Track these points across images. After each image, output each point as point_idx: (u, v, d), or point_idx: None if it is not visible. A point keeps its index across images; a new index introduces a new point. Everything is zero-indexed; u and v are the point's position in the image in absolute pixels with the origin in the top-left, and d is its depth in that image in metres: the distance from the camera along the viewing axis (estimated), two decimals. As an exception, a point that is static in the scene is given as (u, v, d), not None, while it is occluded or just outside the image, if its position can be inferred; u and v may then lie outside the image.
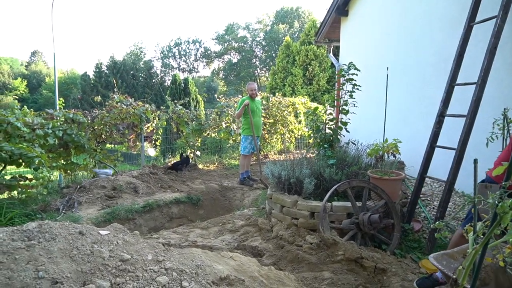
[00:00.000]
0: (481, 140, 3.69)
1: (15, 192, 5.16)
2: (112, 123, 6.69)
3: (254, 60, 53.30)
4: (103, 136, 6.84)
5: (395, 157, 4.06)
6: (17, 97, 45.70)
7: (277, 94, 11.36)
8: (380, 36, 6.92)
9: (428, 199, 5.03)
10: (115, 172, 6.86)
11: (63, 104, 6.70)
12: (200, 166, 8.48)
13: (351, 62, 4.61)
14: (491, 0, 3.95)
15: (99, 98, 7.19)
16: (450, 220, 4.38)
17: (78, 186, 5.77)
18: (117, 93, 7.12)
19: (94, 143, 6.77)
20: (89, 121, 6.55)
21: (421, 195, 4.85)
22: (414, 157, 5.08)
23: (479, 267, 1.14)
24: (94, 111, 6.86)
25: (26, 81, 50.81)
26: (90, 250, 2.07)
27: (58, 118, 6.03)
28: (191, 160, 8.36)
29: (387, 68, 4.77)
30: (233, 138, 9.53)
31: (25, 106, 5.79)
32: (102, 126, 6.69)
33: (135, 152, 9.52)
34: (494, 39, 3.57)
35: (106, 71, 41.69)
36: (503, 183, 0.97)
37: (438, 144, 4.12)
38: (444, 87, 4.09)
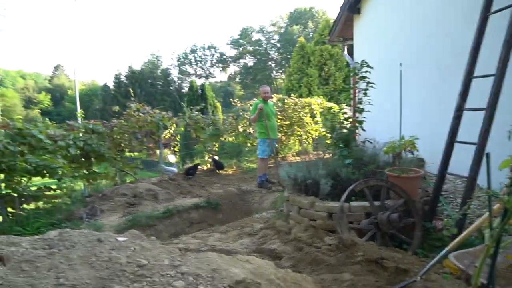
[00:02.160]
0: (504, 134, 3.56)
1: (41, 202, 5.34)
2: (130, 131, 6.84)
3: (269, 63, 53.41)
4: (122, 145, 6.99)
5: (413, 154, 3.97)
6: (42, 111, 47.31)
7: (292, 95, 11.32)
8: (394, 32, 6.81)
9: (451, 196, 4.89)
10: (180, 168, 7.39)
11: (83, 115, 6.89)
12: (218, 170, 8.54)
13: (364, 60, 4.57)
14: (507, -12, 3.83)
15: (117, 108, 7.37)
16: (475, 217, 4.25)
17: (100, 195, 5.92)
18: (134, 102, 7.27)
19: (114, 152, 6.93)
20: (108, 131, 6.72)
21: (443, 193, 4.72)
22: (435, 153, 4.95)
23: (494, 263, 1.11)
24: (113, 120, 7.04)
25: (50, 94, 52.65)
26: (108, 257, 2.12)
27: (79, 129, 6.22)
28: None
29: (400, 64, 4.68)
30: (251, 142, 9.56)
31: (47, 119, 6.00)
32: (121, 135, 6.85)
33: (155, 159, 9.69)
34: (510, 29, 3.46)
35: (125, 81, 42.67)
36: (508, 177, 0.94)
37: (458, 139, 4.01)
38: (461, 80, 3.99)
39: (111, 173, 6.87)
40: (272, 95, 10.05)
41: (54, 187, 5.41)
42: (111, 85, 43.66)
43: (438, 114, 5.51)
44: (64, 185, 5.31)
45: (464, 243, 3.64)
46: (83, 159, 6.18)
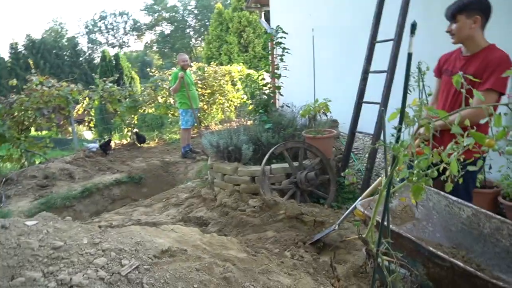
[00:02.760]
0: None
1: None
2: (34, 107, 6.15)
3: (187, 30, 51.38)
4: (26, 123, 6.30)
5: (326, 115, 4.24)
6: None
7: (212, 63, 11.14)
8: (307, -2, 6.99)
9: (361, 152, 5.38)
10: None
11: (-27, 91, 6.00)
12: (140, 144, 8.20)
13: (279, 26, 4.64)
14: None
15: (14, 82, 6.51)
16: (380, 169, 4.75)
17: (4, 179, 5.33)
18: (36, 74, 6.51)
19: (17, 131, 6.22)
20: (7, 108, 5.97)
21: (354, 150, 5.16)
22: (347, 114, 5.35)
23: (386, 205, 1.26)
24: (11, 96, 6.24)
25: None
26: (17, 243, 1.96)
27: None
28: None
29: (312, 29, 4.85)
30: (172, 112, 9.29)
31: None
32: (23, 112, 6.14)
33: (70, 137, 8.96)
34: (405, -4, 3.77)
35: (23, 51, 37.74)
36: (397, 126, 1.06)
37: (365, 100, 4.36)
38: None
39: (16, 154, 6.19)
40: (191, 64, 9.78)
41: None
42: (6, 56, 38.29)
43: (349, 78, 5.89)
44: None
45: (372, 193, 4.08)
46: (-22, 141, 5.46)
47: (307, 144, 3.93)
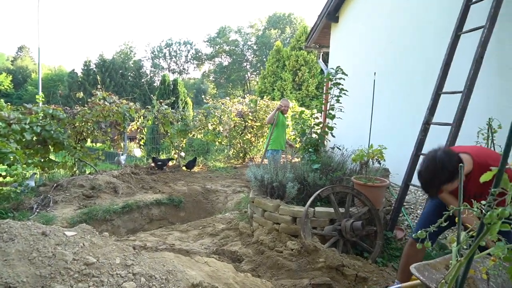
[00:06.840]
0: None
1: (-13, 189, 4.95)
2: (94, 120, 6.49)
3: (244, 64, 53.33)
4: (84, 134, 6.63)
5: (380, 163, 4.00)
6: (1, 92, 44.60)
7: (265, 97, 11.28)
8: (369, 43, 6.92)
9: (412, 207, 5.00)
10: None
11: (43, 99, 6.47)
12: (184, 168, 8.32)
13: (339, 66, 4.56)
14: (479, 10, 3.94)
15: (81, 95, 6.97)
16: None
17: (55, 185, 5.56)
18: (100, 90, 6.92)
19: (75, 140, 6.57)
20: (70, 118, 6.35)
21: (405, 203, 4.81)
22: (400, 164, 5.05)
23: (463, 282, 1.06)
24: (76, 107, 6.66)
25: (11, 76, 49.66)
26: (52, 253, 1.93)
27: (37, 113, 5.83)
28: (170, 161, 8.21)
29: (375, 73, 4.72)
30: (219, 140, 9.40)
31: (1, 100, 5.56)
32: (83, 123, 6.49)
33: (120, 152, 9.35)
34: (480, 49, 3.57)
35: (94, 69, 41.11)
36: (492, 190, 0.89)
37: (423, 152, 4.09)
38: (431, 95, 4.07)
39: (69, 162, 6.50)
40: (245, 96, 9.99)
41: (3, 173, 5.00)
42: (79, 72, 41.89)
43: (405, 126, 5.64)
44: (14, 171, 4.93)
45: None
46: (39, 146, 5.78)
47: (356, 190, 3.70)
